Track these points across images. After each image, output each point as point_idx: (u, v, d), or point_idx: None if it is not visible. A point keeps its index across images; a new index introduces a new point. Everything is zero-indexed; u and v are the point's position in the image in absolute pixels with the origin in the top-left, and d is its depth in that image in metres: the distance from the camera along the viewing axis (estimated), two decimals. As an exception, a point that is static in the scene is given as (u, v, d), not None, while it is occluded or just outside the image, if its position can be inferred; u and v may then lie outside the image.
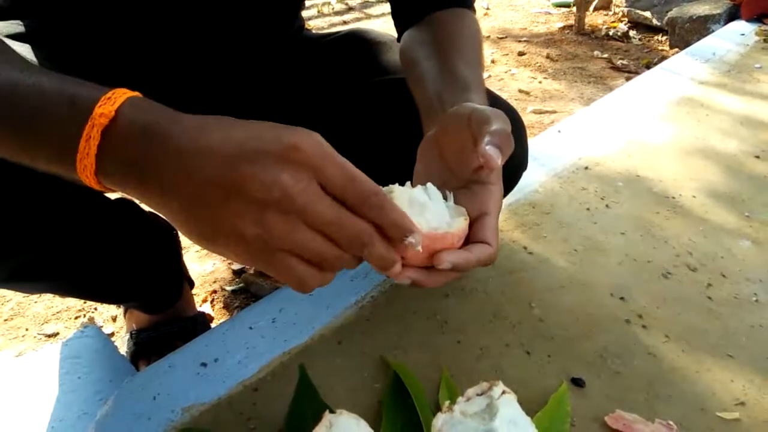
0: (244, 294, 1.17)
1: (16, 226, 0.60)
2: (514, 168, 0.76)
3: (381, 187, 0.45)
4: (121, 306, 1.02)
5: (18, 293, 1.18)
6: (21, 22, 0.69)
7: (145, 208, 0.84)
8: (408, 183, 0.53)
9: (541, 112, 1.97)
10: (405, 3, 0.78)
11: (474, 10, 0.78)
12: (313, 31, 0.97)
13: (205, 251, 1.29)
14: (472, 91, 0.62)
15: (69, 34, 0.69)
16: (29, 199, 0.60)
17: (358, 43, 0.87)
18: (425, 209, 0.50)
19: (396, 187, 0.51)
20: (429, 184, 0.53)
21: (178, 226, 0.43)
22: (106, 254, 0.75)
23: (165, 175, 0.40)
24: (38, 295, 1.19)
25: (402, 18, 0.78)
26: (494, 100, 0.75)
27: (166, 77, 0.74)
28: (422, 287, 0.51)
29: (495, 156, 0.51)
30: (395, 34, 0.82)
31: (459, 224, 0.52)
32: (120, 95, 0.41)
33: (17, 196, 0.59)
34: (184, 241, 1.10)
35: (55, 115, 0.41)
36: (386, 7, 3.39)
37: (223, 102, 0.76)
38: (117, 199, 0.80)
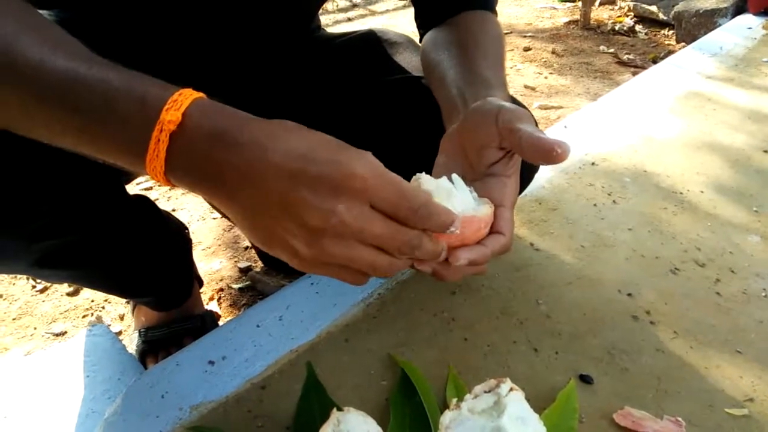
0: (250, 292, 1.17)
1: (45, 211, 0.61)
2: (528, 169, 0.76)
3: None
4: (130, 304, 1.03)
5: (25, 293, 1.19)
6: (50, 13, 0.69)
7: (161, 206, 0.84)
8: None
9: (547, 108, 1.97)
10: (428, 4, 0.78)
11: (496, 14, 0.78)
12: (326, 31, 0.97)
13: (212, 250, 1.29)
14: (495, 90, 0.62)
15: (87, 30, 0.70)
16: (56, 189, 0.61)
17: (375, 43, 0.87)
18: (451, 196, 0.51)
19: (423, 175, 0.52)
20: (454, 175, 0.54)
21: (241, 228, 0.46)
22: (123, 248, 0.76)
23: (229, 183, 0.42)
24: (55, 285, 1.20)
25: (425, 19, 0.79)
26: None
27: (186, 76, 0.74)
28: (443, 280, 0.54)
29: (566, 145, 0.50)
30: (403, 31, 0.82)
31: (485, 210, 0.53)
32: (187, 97, 0.42)
33: (45, 185, 0.60)
34: (192, 240, 1.10)
35: (125, 113, 0.42)
36: (390, 4, 3.40)
37: (240, 101, 0.76)
38: (135, 196, 0.81)
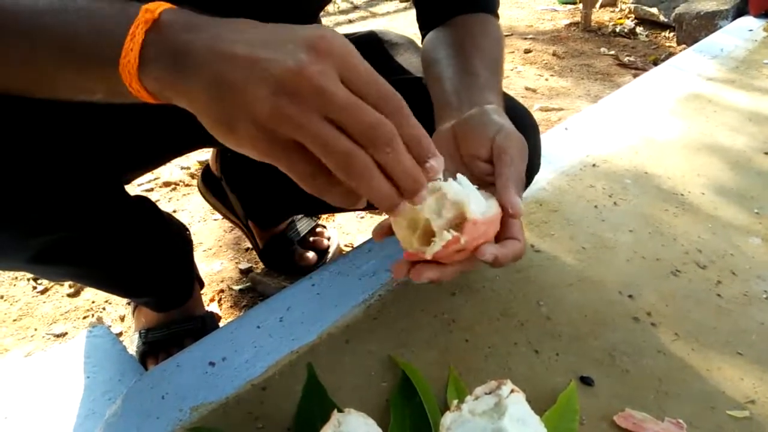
0: (251, 293, 1.17)
1: (42, 207, 0.61)
2: (529, 172, 0.76)
3: None
4: (131, 305, 1.03)
5: (26, 294, 1.19)
6: None
7: (162, 208, 0.84)
8: None
9: (547, 110, 1.97)
10: (430, 6, 0.79)
11: (497, 17, 0.78)
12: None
13: (213, 251, 1.29)
14: (490, 92, 0.63)
15: None
16: (52, 183, 0.61)
17: (376, 43, 0.88)
18: (471, 198, 0.51)
19: (440, 182, 0.50)
20: (459, 175, 0.54)
21: (205, 113, 0.42)
22: (122, 247, 0.76)
23: (197, 58, 0.41)
24: (56, 283, 1.20)
25: (426, 20, 0.80)
26: (509, 104, 0.75)
27: None
28: (436, 283, 0.52)
29: (520, 207, 0.53)
30: (406, 33, 0.82)
31: (496, 205, 0.53)
32: (162, 4, 0.43)
33: (41, 180, 0.60)
34: (193, 241, 1.10)
35: (105, 22, 0.42)
36: (391, 6, 3.40)
37: None
38: (135, 197, 0.81)
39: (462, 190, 0.51)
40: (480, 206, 0.51)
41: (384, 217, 0.56)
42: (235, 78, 0.40)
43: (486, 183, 0.57)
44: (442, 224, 0.50)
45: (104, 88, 0.44)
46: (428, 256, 0.50)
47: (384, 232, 0.54)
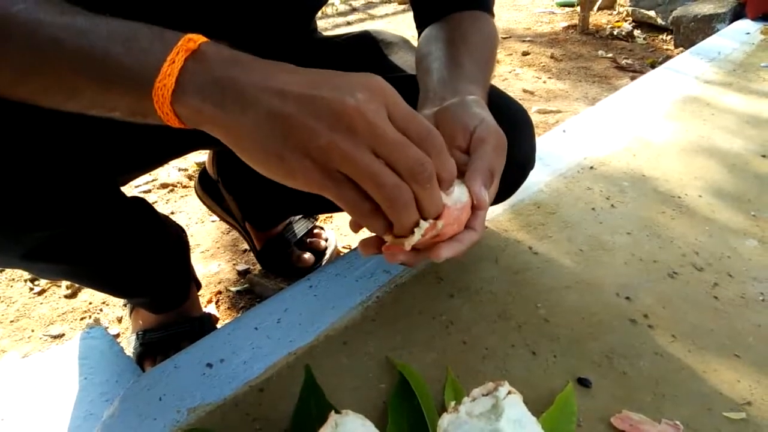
0: (249, 295, 1.17)
1: (35, 203, 0.61)
2: (521, 166, 0.76)
3: None
4: (128, 306, 1.03)
5: (23, 295, 1.18)
6: None
7: (159, 209, 0.84)
8: None
9: (545, 112, 1.97)
10: (425, 3, 0.80)
11: (493, 15, 0.79)
12: (323, 33, 0.98)
13: (210, 252, 1.29)
14: (473, 84, 0.63)
15: None
16: (50, 179, 0.61)
17: (370, 42, 0.88)
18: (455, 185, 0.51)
19: None
20: None
21: (251, 145, 0.43)
22: (118, 246, 0.76)
23: (246, 91, 0.42)
24: (53, 284, 1.20)
25: (422, 18, 0.81)
26: (503, 99, 0.75)
27: None
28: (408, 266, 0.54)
29: (484, 198, 0.54)
30: (402, 34, 0.83)
31: (467, 193, 0.53)
32: (202, 37, 0.44)
33: (39, 174, 0.60)
34: (190, 242, 1.10)
35: (143, 42, 0.43)
36: (390, 8, 3.41)
37: None
38: (132, 198, 0.81)
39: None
40: (455, 193, 0.52)
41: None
42: (292, 113, 0.42)
43: (459, 170, 0.57)
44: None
45: (128, 106, 0.44)
46: (407, 248, 0.50)
47: (373, 248, 0.54)
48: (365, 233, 0.54)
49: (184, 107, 0.42)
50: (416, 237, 0.49)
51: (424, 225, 0.49)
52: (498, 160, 0.56)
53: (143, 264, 0.83)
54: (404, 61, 0.84)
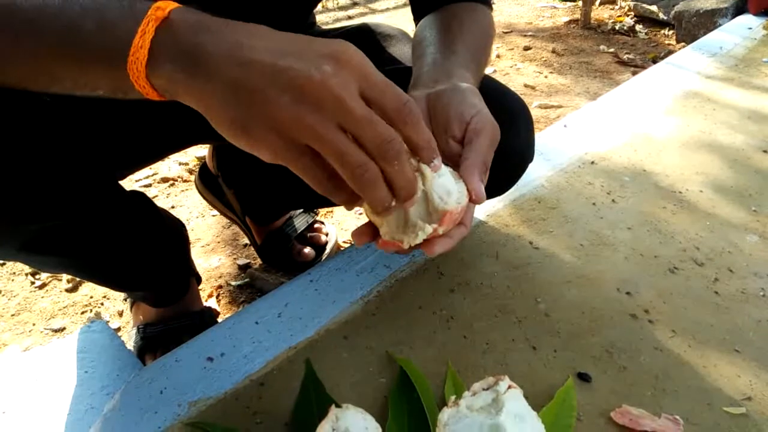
0: (249, 289, 1.17)
1: (31, 194, 0.60)
2: (520, 159, 0.76)
3: None
4: (129, 300, 1.03)
5: (24, 289, 1.19)
6: None
7: (160, 204, 0.84)
8: None
9: (546, 107, 1.97)
10: None
11: (490, 7, 0.79)
12: (322, 27, 0.98)
13: (211, 247, 1.29)
14: (466, 70, 0.63)
15: None
16: (48, 171, 0.61)
17: (368, 35, 0.88)
18: (451, 194, 0.51)
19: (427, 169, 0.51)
20: (443, 167, 0.53)
21: (217, 114, 0.43)
22: (116, 239, 0.76)
23: (212, 61, 0.41)
24: (54, 278, 1.20)
25: (419, 8, 0.80)
26: (499, 89, 0.75)
27: None
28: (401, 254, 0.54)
29: (482, 193, 0.54)
30: (402, 28, 0.83)
31: (465, 190, 0.53)
32: (171, 3, 0.43)
33: (37, 166, 0.59)
34: (191, 236, 1.10)
35: (113, 16, 0.42)
36: (391, 2, 3.39)
37: None
38: (131, 191, 0.81)
39: (443, 186, 0.51)
40: (455, 195, 0.52)
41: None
42: (257, 84, 0.41)
43: (453, 161, 0.57)
44: (421, 214, 0.51)
45: (107, 83, 0.44)
46: (405, 247, 0.50)
47: (365, 236, 0.54)
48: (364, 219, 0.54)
49: (159, 78, 0.42)
50: (418, 239, 0.50)
51: (428, 230, 0.50)
52: (490, 154, 0.56)
53: (142, 258, 0.83)
54: (403, 53, 0.84)
